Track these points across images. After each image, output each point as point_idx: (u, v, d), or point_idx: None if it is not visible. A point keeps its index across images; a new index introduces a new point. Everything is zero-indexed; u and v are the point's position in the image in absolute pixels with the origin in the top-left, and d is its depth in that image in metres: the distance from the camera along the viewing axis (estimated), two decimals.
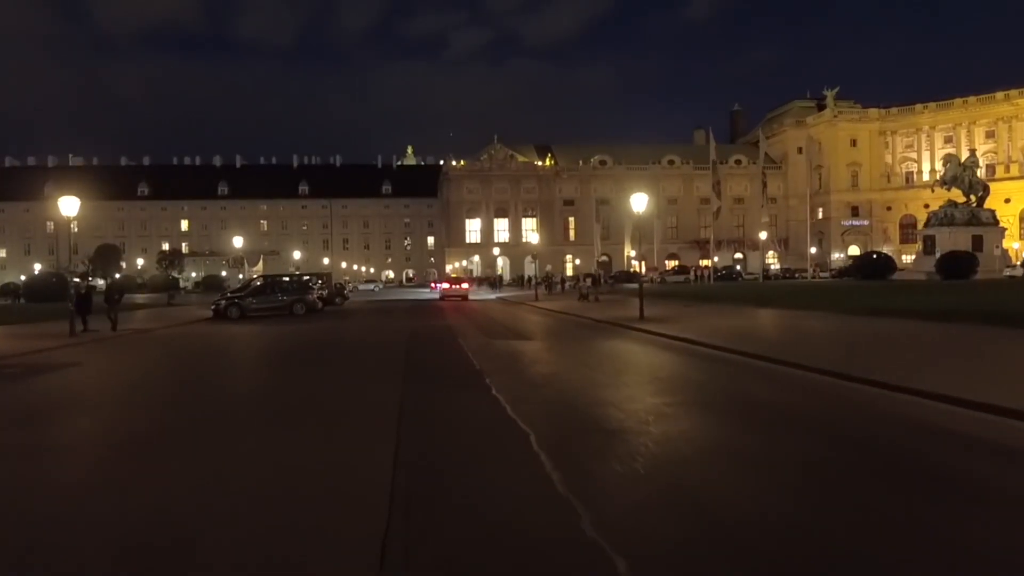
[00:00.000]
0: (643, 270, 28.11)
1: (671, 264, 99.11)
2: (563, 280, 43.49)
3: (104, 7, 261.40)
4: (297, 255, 60.84)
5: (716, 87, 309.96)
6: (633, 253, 74.48)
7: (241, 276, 65.65)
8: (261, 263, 43.48)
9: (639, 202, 23.29)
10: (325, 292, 35.73)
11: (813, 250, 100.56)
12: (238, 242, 39.61)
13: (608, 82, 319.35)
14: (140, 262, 59.68)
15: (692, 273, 70.49)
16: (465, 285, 50.99)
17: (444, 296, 48.07)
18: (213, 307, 31.37)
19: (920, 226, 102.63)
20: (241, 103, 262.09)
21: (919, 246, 75.21)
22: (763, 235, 64.49)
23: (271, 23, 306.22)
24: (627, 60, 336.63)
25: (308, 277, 35.45)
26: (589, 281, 31.10)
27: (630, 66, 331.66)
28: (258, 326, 26.18)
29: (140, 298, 58.82)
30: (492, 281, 57.48)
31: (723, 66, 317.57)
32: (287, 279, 34.57)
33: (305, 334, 21.92)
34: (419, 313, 32.75)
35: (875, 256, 51.33)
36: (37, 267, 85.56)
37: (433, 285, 66.76)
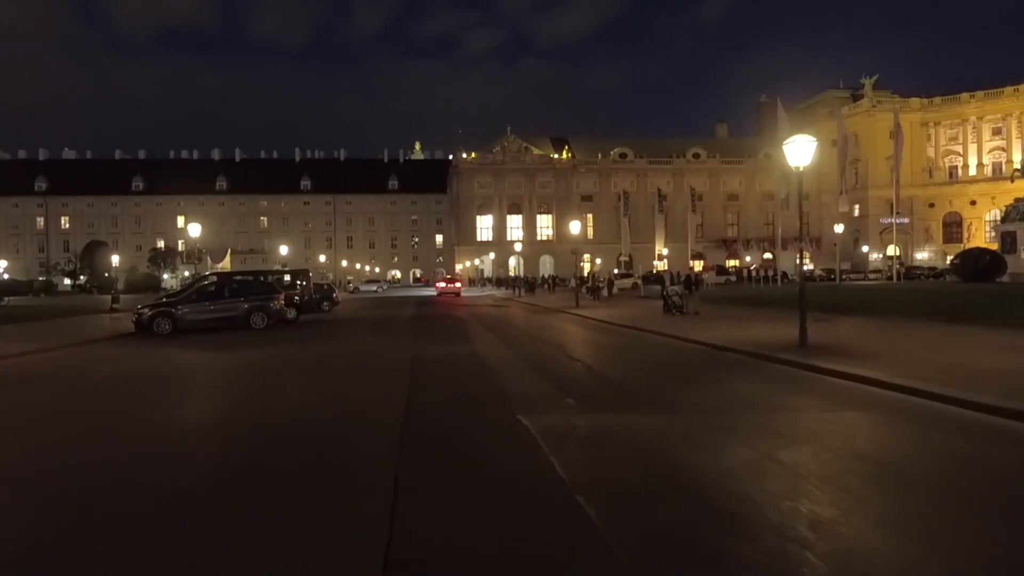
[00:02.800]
0: (804, 262, 17.86)
1: (696, 264, 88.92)
2: (610, 282, 33.01)
3: (120, 8, 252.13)
4: (284, 250, 50.89)
5: (730, 87, 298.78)
6: (665, 252, 64.14)
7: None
8: (228, 258, 33.42)
9: (801, 152, 13.22)
10: (303, 296, 25.67)
11: (865, 249, 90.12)
12: (195, 230, 29.53)
13: (621, 82, 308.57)
14: (116, 259, 50.28)
15: (743, 273, 59.74)
16: (458, 284, 60.18)
17: (440, 293, 55.25)
18: (135, 318, 21.34)
19: (966, 224, 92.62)
20: (251, 102, 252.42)
21: (986, 243, 65.21)
22: (839, 228, 53.78)
23: (285, 24, 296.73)
24: (640, 60, 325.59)
25: (278, 276, 25.44)
26: (679, 286, 19.94)
27: (643, 66, 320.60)
28: (178, 352, 16.13)
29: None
30: (526, 283, 46.88)
31: (737, 66, 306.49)
32: (248, 279, 24.42)
33: (220, 384, 11.86)
34: (426, 326, 22.62)
35: (985, 255, 40.98)
36: (1, 264, 75.52)
37: (437, 284, 69.79)
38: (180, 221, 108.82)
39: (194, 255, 29.71)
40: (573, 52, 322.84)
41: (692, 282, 19.66)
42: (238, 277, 25.01)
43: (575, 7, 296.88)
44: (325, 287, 33.53)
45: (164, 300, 22.78)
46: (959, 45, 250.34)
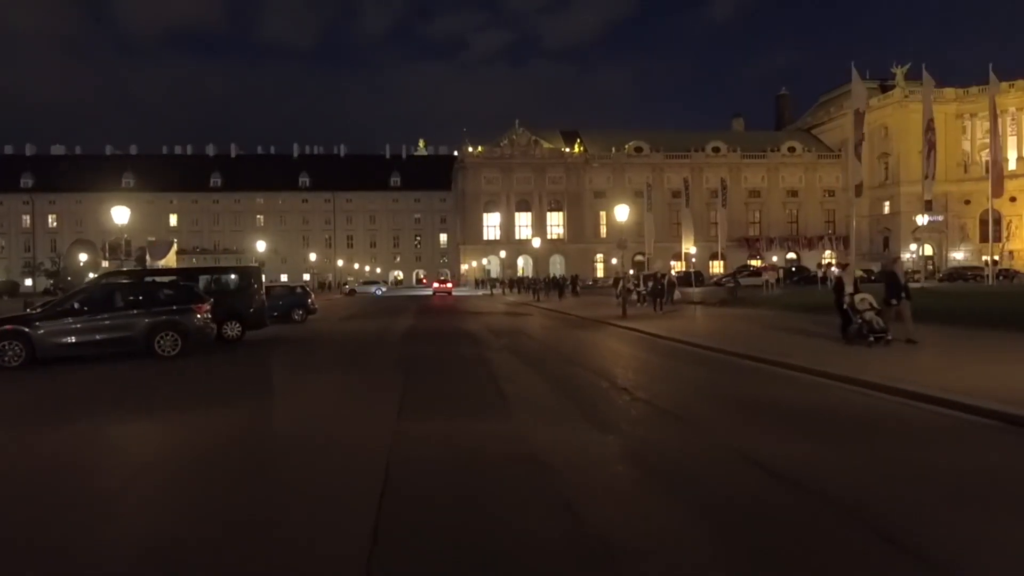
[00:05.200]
0: None
1: (715, 265, 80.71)
2: (671, 284, 23.96)
3: (127, 10, 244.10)
4: (262, 246, 42.19)
5: (740, 87, 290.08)
6: (693, 250, 56.15)
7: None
8: (172, 253, 25.28)
9: None
10: (251, 303, 17.41)
11: (914, 248, 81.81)
12: (121, 215, 21.44)
13: (629, 83, 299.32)
14: (84, 257, 43.08)
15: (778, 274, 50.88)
16: (448, 284, 63.13)
17: (435, 292, 57.82)
18: None
19: (1005, 222, 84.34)
20: (256, 104, 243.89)
21: None
22: (922, 219, 44.83)
23: (293, 25, 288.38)
24: (648, 61, 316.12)
25: (215, 274, 17.15)
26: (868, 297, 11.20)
27: (651, 67, 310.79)
28: None
29: None
30: (554, 284, 38.23)
31: (747, 65, 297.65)
32: (161, 280, 16.10)
33: None
34: (425, 354, 14.44)
35: None
36: None
37: (433, 285, 68.37)
38: (173, 219, 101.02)
39: (120, 249, 21.69)
40: (581, 53, 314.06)
41: (902, 287, 10.88)
42: (150, 279, 16.74)
43: (583, 8, 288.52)
44: (298, 291, 25.37)
45: (38, 311, 14.65)
46: (993, 32, 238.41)
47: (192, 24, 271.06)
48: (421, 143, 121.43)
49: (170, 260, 26.16)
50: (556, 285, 38.96)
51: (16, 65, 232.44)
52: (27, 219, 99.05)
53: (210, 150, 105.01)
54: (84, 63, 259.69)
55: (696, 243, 73.50)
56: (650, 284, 25.34)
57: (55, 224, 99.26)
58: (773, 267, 36.56)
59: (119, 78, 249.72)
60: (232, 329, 16.80)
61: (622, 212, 22.56)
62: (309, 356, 14.38)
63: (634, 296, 23.59)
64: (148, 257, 26.95)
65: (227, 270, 18.80)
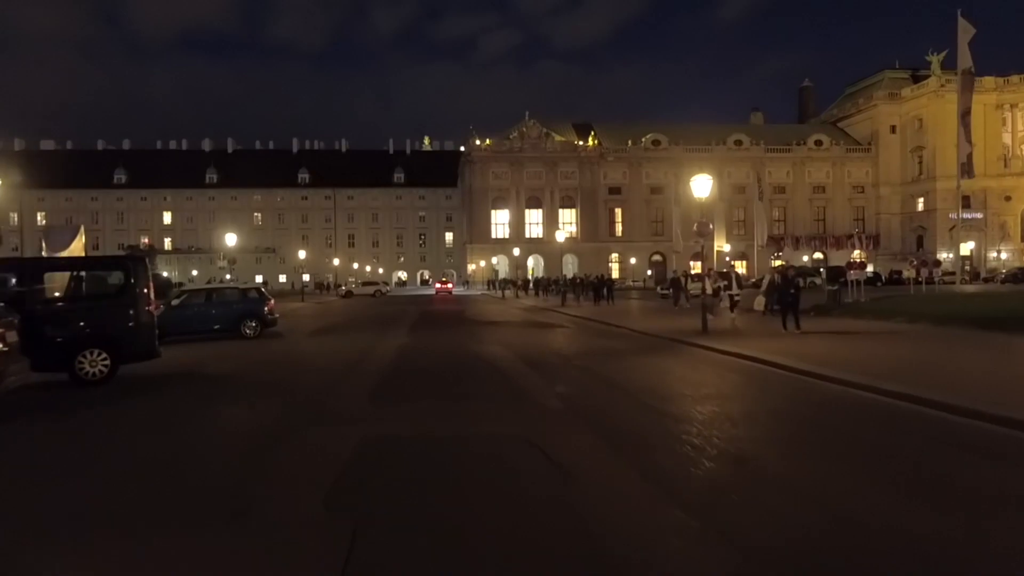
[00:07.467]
0: None
1: (738, 265, 73.29)
2: (797, 287, 15.20)
3: (138, 11, 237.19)
4: (232, 240, 34.54)
5: (753, 86, 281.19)
6: (727, 248, 48.90)
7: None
8: (80, 242, 18.51)
9: None
10: (131, 320, 10.24)
11: (969, 246, 74.15)
12: None
13: (638, 83, 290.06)
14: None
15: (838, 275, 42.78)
16: (449, 285, 62.86)
17: (437, 292, 57.94)
18: None
19: None
20: (263, 105, 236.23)
21: None
22: None
23: (303, 26, 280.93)
24: (658, 61, 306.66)
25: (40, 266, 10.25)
26: None
27: (661, 67, 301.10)
28: None
29: None
30: (592, 285, 30.58)
31: (761, 64, 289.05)
32: None
33: None
34: (428, 449, 7.29)
35: None
36: None
37: (435, 285, 66.26)
38: (167, 217, 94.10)
39: None
40: (590, 54, 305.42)
41: None
42: None
43: (592, 9, 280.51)
44: (252, 295, 18.15)
45: None
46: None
47: (203, 25, 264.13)
48: (426, 140, 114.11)
49: (76, 250, 19.10)
50: (591, 287, 31.29)
51: (22, 65, 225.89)
52: (15, 216, 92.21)
53: (206, 145, 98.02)
54: (94, 64, 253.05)
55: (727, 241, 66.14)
56: (763, 284, 18.02)
57: (44, 222, 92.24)
58: (861, 265, 28.81)
59: (128, 79, 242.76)
60: (93, 363, 9.62)
61: (702, 185, 15.32)
62: (188, 439, 7.03)
63: (724, 303, 16.30)
64: (44, 246, 20.02)
65: (89, 263, 11.65)
